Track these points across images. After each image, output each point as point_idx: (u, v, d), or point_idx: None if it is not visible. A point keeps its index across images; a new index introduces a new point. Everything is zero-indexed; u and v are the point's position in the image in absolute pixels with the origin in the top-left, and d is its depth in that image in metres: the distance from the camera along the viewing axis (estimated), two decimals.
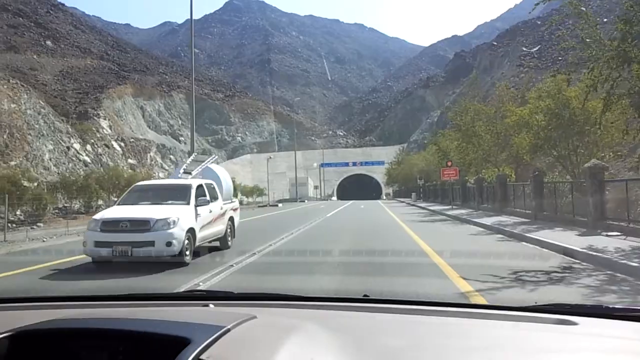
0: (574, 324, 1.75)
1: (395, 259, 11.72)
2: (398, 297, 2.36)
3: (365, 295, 2.30)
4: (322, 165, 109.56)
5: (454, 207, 33.30)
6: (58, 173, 66.49)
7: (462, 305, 2.19)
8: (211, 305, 2.12)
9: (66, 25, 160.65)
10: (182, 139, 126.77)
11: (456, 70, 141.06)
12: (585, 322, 1.77)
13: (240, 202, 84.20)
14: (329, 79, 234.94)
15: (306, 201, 72.99)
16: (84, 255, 11.67)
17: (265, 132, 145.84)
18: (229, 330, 1.46)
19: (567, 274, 9.02)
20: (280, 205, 56.60)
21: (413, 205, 46.33)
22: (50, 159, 75.23)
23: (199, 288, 7.19)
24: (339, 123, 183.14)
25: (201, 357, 1.26)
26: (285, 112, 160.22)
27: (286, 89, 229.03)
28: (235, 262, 10.95)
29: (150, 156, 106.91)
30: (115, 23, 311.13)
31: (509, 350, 1.52)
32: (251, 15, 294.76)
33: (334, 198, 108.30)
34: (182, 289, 7.15)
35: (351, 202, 68.48)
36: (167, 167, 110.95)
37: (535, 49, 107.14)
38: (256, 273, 10.37)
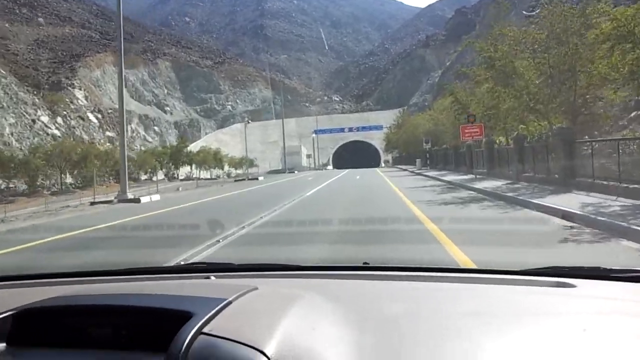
0: (572, 286, 1.75)
1: None
2: (397, 264, 2.30)
3: (365, 263, 2.29)
4: (315, 132, 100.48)
5: (477, 176, 24.65)
6: (20, 149, 58.04)
7: (461, 271, 2.23)
8: (212, 277, 2.10)
9: None
10: (168, 108, 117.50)
11: (457, 27, 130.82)
12: (583, 284, 1.77)
13: (228, 175, 75.67)
14: (326, 48, 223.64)
15: (296, 172, 64.64)
16: None
17: (257, 100, 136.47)
18: (230, 302, 1.46)
19: None
20: (261, 178, 48.00)
21: (418, 174, 37.74)
22: (11, 134, 66.58)
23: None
24: (335, 89, 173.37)
25: (203, 330, 1.27)
26: (279, 78, 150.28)
27: (280, 55, 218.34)
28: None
29: (132, 128, 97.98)
30: None
31: (507, 314, 1.54)
32: None
33: (330, 167, 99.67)
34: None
35: (347, 171, 60.05)
36: (150, 139, 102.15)
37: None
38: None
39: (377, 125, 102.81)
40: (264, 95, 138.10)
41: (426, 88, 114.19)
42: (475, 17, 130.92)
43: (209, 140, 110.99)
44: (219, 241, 9.00)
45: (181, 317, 1.33)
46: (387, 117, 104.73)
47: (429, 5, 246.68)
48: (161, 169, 63.55)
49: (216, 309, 1.39)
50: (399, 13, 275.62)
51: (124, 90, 35.92)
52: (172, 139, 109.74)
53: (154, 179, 63.30)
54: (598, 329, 1.38)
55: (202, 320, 1.31)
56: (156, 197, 25.22)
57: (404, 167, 58.69)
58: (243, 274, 2.28)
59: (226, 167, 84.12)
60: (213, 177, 76.01)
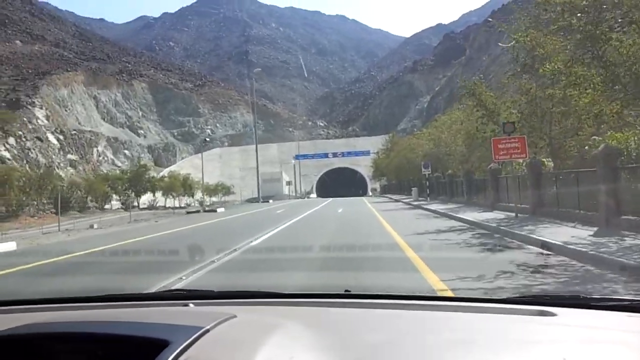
0: (553, 314, 1.73)
1: None
2: (379, 291, 2.22)
3: (346, 291, 2.20)
4: (296, 157, 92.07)
5: (518, 215, 16.31)
6: None
7: (442, 299, 2.20)
8: (191, 305, 2.04)
9: (21, 13, 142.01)
10: (142, 131, 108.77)
11: (446, 52, 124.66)
12: (564, 313, 1.75)
13: (201, 203, 66.65)
14: (305, 75, 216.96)
15: (271, 201, 56.03)
16: None
17: (238, 124, 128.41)
18: (208, 330, 1.42)
19: None
20: (221, 210, 38.17)
21: (417, 207, 29.46)
22: None
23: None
24: (320, 115, 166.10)
25: (179, 359, 1.24)
26: (262, 102, 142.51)
27: (265, 81, 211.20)
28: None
29: (98, 150, 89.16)
30: (89, 18, 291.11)
31: (489, 343, 1.51)
32: (229, 7, 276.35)
33: (313, 195, 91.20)
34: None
35: (330, 200, 51.81)
36: (119, 163, 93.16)
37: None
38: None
39: (363, 150, 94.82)
40: (246, 119, 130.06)
41: (415, 114, 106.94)
42: (464, 42, 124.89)
43: (183, 165, 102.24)
44: None
45: (158, 346, 1.29)
46: (374, 143, 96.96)
47: (415, 34, 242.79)
48: (117, 196, 54.79)
49: (193, 337, 1.35)
50: (385, 42, 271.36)
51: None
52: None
53: (111, 206, 54.80)
54: (579, 359, 1.37)
55: (179, 349, 1.26)
56: (10, 245, 16.05)
57: (394, 196, 50.45)
58: (222, 301, 2.16)
59: (198, 195, 75.23)
60: (182, 205, 67.11)
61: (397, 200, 40.53)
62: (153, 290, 6.27)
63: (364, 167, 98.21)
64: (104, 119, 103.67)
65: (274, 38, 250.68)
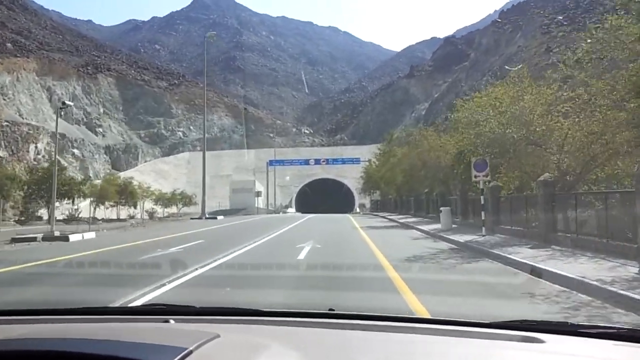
0: (541, 341, 1.65)
1: None
2: (364, 311, 2.11)
3: (330, 309, 2.10)
4: (270, 163, 76.21)
5: None
6: None
7: (430, 322, 2.03)
8: (171, 321, 1.92)
9: None
10: (101, 130, 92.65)
11: (446, 57, 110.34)
12: (552, 340, 1.67)
13: (151, 215, 50.56)
14: (305, 82, 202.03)
15: (221, 217, 40.17)
16: None
17: (214, 128, 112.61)
18: (191, 352, 1.33)
19: None
20: (89, 236, 21.39)
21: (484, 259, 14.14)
22: None
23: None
24: (307, 123, 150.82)
25: None
26: (242, 105, 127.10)
27: (252, 88, 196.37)
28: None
29: (37, 147, 73.27)
30: (76, 19, 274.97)
31: None
32: (220, 13, 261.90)
33: (291, 210, 75.58)
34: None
35: (308, 218, 36.63)
36: (65, 163, 77.13)
37: (561, 17, 77.74)
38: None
39: (352, 158, 79.33)
40: (224, 123, 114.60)
41: (410, 121, 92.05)
42: (468, 47, 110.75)
43: (144, 169, 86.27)
44: None
45: None
46: (363, 153, 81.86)
47: (409, 47, 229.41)
48: (12, 204, 39.10)
49: (175, 359, 1.26)
50: (377, 55, 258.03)
51: None
52: (97, 166, 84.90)
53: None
54: None
55: None
56: None
57: (393, 216, 35.10)
58: (204, 318, 2.03)
59: (148, 205, 59.14)
60: (121, 217, 51.35)
61: (405, 226, 25.05)
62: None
63: (351, 179, 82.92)
64: (56, 113, 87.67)
65: (264, 46, 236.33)
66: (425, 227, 20.92)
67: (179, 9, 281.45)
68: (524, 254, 10.81)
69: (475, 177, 15.86)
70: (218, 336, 1.49)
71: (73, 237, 17.54)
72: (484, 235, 15.49)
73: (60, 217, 43.89)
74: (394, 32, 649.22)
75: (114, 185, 50.66)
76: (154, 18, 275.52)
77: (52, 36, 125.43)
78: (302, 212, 68.25)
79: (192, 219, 37.12)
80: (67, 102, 24.19)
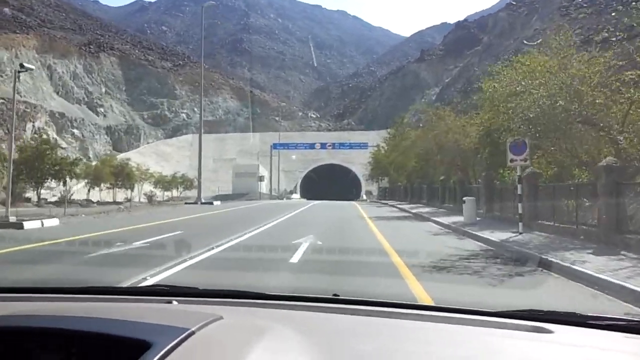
0: (549, 331, 1.64)
1: None
2: (369, 297, 2.08)
3: (335, 295, 2.07)
4: (274, 146, 73.39)
5: None
6: None
7: (436, 309, 2.00)
8: (174, 302, 1.90)
9: None
10: (102, 110, 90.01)
11: (458, 41, 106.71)
12: (560, 330, 1.66)
13: (150, 198, 48.07)
14: (314, 65, 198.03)
15: (217, 202, 37.02)
16: None
17: (219, 110, 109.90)
18: (193, 332, 1.32)
19: None
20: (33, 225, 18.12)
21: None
22: None
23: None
24: (314, 108, 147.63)
25: None
26: (248, 87, 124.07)
27: (258, 70, 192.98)
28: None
29: (35, 127, 70.76)
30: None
31: (484, 359, 1.45)
32: None
33: (296, 196, 72.99)
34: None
35: (311, 204, 34.07)
36: (64, 145, 74.58)
37: None
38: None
39: (359, 142, 76.35)
40: (229, 105, 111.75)
41: (421, 107, 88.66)
42: (480, 31, 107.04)
43: (145, 151, 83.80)
44: None
45: (139, 347, 1.20)
46: (371, 139, 78.91)
47: (419, 32, 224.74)
48: None
49: (177, 339, 1.25)
50: (386, 40, 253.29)
51: None
52: (98, 147, 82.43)
53: None
54: None
55: (162, 352, 1.18)
56: None
57: (404, 205, 32.42)
58: (207, 299, 2.01)
59: (147, 187, 56.84)
60: (117, 201, 48.99)
61: (419, 217, 22.33)
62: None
63: (358, 165, 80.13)
64: (57, 92, 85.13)
65: (271, 28, 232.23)
66: (444, 220, 18.21)
67: None
68: (592, 263, 8.10)
69: (512, 161, 13.07)
70: (221, 318, 1.48)
71: (29, 225, 14.93)
72: (520, 233, 12.78)
73: (53, 200, 41.68)
74: (404, 17, 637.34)
75: (109, 166, 48.28)
76: None
77: (55, 14, 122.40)
78: (307, 199, 65.74)
79: (186, 203, 34.50)
80: (26, 65, 21.07)
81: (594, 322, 1.71)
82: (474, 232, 13.62)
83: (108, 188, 49.72)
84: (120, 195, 52.52)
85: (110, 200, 49.03)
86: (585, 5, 70.92)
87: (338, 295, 2.05)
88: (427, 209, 25.65)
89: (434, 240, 13.31)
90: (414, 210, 25.13)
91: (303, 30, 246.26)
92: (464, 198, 16.34)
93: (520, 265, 8.93)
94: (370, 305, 1.93)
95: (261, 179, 61.91)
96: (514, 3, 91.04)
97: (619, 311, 5.72)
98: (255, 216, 21.74)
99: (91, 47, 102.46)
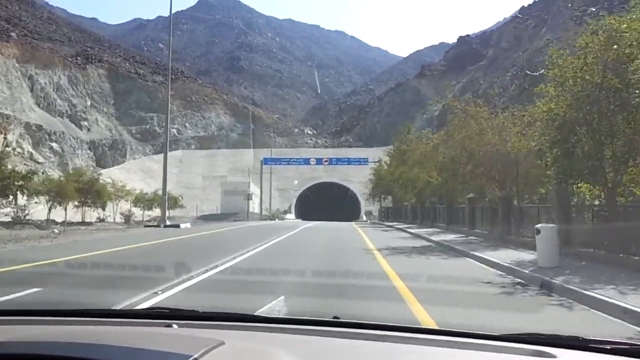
0: (552, 356, 1.60)
1: None
2: (370, 320, 2.00)
3: (335, 317, 2.01)
4: (265, 161, 67.12)
5: None
6: None
7: (437, 332, 1.95)
8: (174, 326, 1.86)
9: None
10: (86, 123, 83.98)
11: (460, 57, 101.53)
12: (564, 355, 1.61)
13: (127, 219, 42.00)
14: (317, 87, 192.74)
15: (187, 225, 30.07)
16: None
17: (212, 126, 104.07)
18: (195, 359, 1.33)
19: None
20: None
21: None
22: None
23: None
24: (311, 125, 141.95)
25: None
26: (242, 103, 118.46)
27: (255, 89, 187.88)
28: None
29: (6, 139, 64.67)
30: (81, 16, 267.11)
31: None
32: (225, 14, 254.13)
33: (290, 216, 66.73)
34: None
35: (306, 226, 27.84)
36: (41, 159, 68.39)
37: (593, 8, 69.25)
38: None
39: (358, 158, 70.26)
40: (222, 121, 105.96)
41: (422, 123, 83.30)
42: (482, 46, 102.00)
43: (130, 167, 77.59)
44: None
45: None
46: (370, 156, 73.00)
47: (417, 51, 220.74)
48: None
49: None
50: (384, 60, 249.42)
51: None
52: (79, 162, 76.09)
53: None
54: None
55: None
56: None
57: (413, 229, 26.32)
58: (208, 323, 1.94)
59: (123, 205, 50.62)
60: (87, 220, 42.75)
61: (444, 247, 16.22)
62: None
63: (357, 183, 74.08)
64: (39, 104, 79.17)
65: (269, 47, 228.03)
66: (492, 256, 12.04)
67: (184, 8, 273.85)
68: None
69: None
70: (223, 343, 1.44)
71: None
72: None
73: (6, 219, 35.47)
74: (402, 37, 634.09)
75: (75, 182, 41.90)
76: (159, 17, 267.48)
77: (45, 26, 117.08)
78: (303, 219, 59.65)
79: (146, 226, 28.09)
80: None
81: (596, 346, 1.64)
82: (584, 291, 7.40)
83: (77, 206, 43.40)
84: (94, 214, 46.33)
85: (80, 220, 42.71)
86: (601, 14, 65.91)
87: (338, 318, 1.95)
88: (450, 236, 19.45)
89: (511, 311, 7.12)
90: (434, 238, 18.90)
91: (301, 49, 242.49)
92: (539, 226, 10.07)
93: None
94: (371, 328, 1.83)
95: (249, 197, 55.59)
96: (520, 16, 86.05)
97: None
98: (219, 246, 15.53)
99: (78, 58, 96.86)
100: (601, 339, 1.69)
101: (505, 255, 12.03)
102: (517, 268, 9.99)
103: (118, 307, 5.50)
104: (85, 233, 21.73)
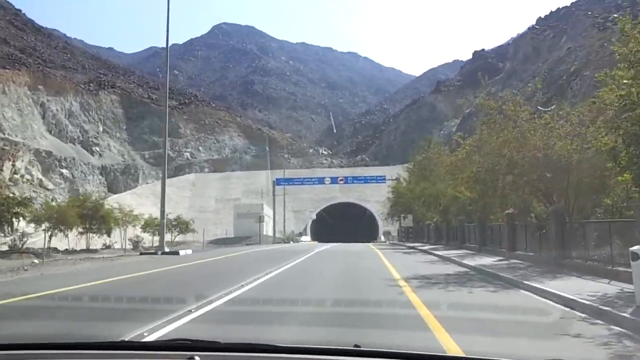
0: None
1: None
2: (391, 349, 1.91)
3: (356, 346, 1.93)
4: (278, 182, 64.39)
5: None
6: None
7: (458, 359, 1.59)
8: (197, 358, 1.82)
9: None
10: (98, 149, 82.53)
11: (476, 71, 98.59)
12: None
13: (135, 245, 40.88)
14: (334, 131, 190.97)
15: (185, 252, 26.93)
16: None
17: (226, 149, 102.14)
18: None
19: None
20: None
21: None
22: None
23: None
24: (326, 146, 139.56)
25: None
26: (256, 125, 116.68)
27: (270, 111, 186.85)
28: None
29: (15, 165, 63.11)
30: (98, 46, 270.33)
31: None
32: (239, 39, 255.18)
33: (306, 238, 63.84)
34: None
35: (312, 254, 24.86)
36: (51, 186, 66.62)
37: (615, 14, 66.15)
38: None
39: (374, 176, 67.29)
40: (235, 143, 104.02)
41: (439, 140, 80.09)
42: (499, 60, 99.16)
43: (142, 192, 75.51)
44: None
45: None
46: (388, 174, 70.06)
47: (431, 69, 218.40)
48: None
49: None
50: (398, 79, 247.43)
51: None
52: (90, 188, 74.30)
53: None
54: None
55: None
56: None
57: (439, 251, 23.40)
58: (230, 355, 1.91)
59: (132, 231, 48.47)
60: (92, 247, 40.52)
61: (489, 277, 13.29)
62: None
63: (375, 203, 71.09)
64: (50, 131, 77.94)
65: (282, 70, 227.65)
66: (557, 287, 9.11)
67: (198, 35, 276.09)
68: None
69: None
70: None
71: None
72: None
73: (4, 248, 33.24)
74: (415, 57, 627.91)
75: (78, 207, 39.64)
76: (174, 45, 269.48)
77: (59, 55, 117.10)
78: (319, 241, 56.79)
79: (142, 254, 25.26)
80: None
81: None
82: None
83: (81, 233, 41.10)
84: (100, 241, 44.04)
85: (84, 247, 40.39)
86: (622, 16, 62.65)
87: (359, 347, 1.86)
88: (487, 260, 16.43)
89: None
90: (468, 262, 15.90)
91: (315, 71, 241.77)
92: (636, 249, 7.12)
93: None
94: (394, 358, 1.74)
95: (260, 219, 52.83)
96: (537, 27, 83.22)
97: None
98: (205, 281, 12.73)
99: (91, 85, 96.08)
100: None
101: (576, 287, 9.06)
102: (606, 309, 7.03)
103: None
104: (68, 263, 19.09)
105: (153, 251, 26.38)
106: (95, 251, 37.35)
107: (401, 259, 19.86)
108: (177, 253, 24.63)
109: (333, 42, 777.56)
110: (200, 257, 21.84)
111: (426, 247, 27.45)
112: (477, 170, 15.39)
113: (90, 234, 41.57)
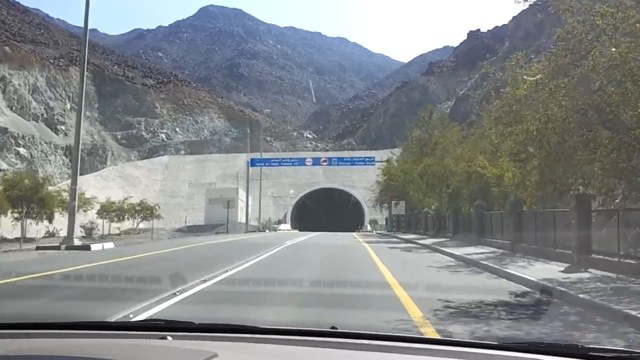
0: None
1: None
2: (368, 330, 1.91)
3: (332, 327, 1.93)
4: (252, 163, 57.35)
5: None
6: None
7: (435, 342, 1.91)
8: (169, 338, 1.80)
9: None
10: (63, 128, 75.13)
11: (470, 52, 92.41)
12: None
13: (88, 232, 34.38)
14: (314, 100, 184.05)
15: (101, 246, 20.11)
16: None
17: (204, 131, 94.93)
18: None
19: None
20: None
21: None
22: None
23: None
24: (311, 130, 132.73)
25: None
26: (238, 107, 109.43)
27: (255, 95, 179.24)
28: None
29: None
30: (81, 27, 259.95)
31: None
32: (226, 22, 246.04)
33: (285, 226, 57.36)
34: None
35: (284, 246, 18.40)
36: (2, 165, 59.47)
37: None
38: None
39: (362, 158, 60.57)
40: (215, 125, 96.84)
41: (432, 122, 73.71)
42: (495, 40, 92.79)
43: (108, 174, 68.38)
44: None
45: None
46: (377, 157, 63.58)
47: (421, 55, 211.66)
48: None
49: None
50: (388, 65, 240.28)
51: None
52: (51, 169, 67.10)
53: None
54: None
55: None
56: None
57: (447, 246, 16.87)
58: (202, 335, 1.89)
59: (85, 217, 41.41)
60: (29, 236, 33.45)
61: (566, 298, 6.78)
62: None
63: (361, 189, 64.74)
64: (11, 107, 70.34)
65: (269, 54, 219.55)
66: None
67: (184, 17, 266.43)
68: None
69: None
70: (216, 355, 1.40)
71: None
72: None
73: None
74: (405, 43, 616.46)
75: (12, 189, 32.96)
76: (159, 27, 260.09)
77: (30, 30, 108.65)
78: (300, 230, 50.51)
79: (39, 248, 18.57)
80: None
81: (595, 354, 1.60)
82: None
83: (17, 218, 34.25)
84: (41, 227, 37.36)
85: (18, 235, 33.37)
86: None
87: (336, 328, 1.85)
88: (552, 267, 10.03)
89: None
90: (529, 274, 9.45)
91: (302, 56, 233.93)
92: None
93: None
94: (370, 339, 1.73)
95: (230, 204, 46.07)
96: (539, 3, 76.74)
97: None
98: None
99: (61, 60, 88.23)
100: (600, 347, 1.63)
101: None
102: None
103: None
104: None
105: (56, 244, 19.71)
106: (32, 240, 30.66)
107: (401, 261, 13.49)
108: (88, 248, 18.04)
109: (322, 26, 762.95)
110: (115, 255, 15.18)
111: (427, 241, 21.07)
112: (550, 116, 8.83)
113: (29, 220, 34.93)
